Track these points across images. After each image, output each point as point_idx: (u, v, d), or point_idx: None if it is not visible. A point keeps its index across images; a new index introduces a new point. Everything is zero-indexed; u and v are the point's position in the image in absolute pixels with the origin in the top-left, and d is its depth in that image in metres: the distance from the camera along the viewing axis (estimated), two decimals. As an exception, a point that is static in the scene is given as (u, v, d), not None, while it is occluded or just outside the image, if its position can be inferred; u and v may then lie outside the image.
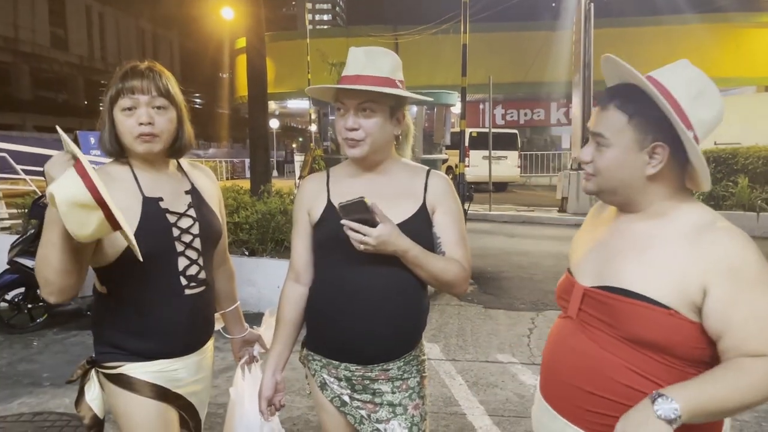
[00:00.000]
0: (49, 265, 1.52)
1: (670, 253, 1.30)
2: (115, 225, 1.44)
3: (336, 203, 1.64)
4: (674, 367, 1.29)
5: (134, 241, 1.49)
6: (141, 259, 1.54)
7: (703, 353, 1.28)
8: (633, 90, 1.36)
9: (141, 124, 1.69)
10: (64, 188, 1.38)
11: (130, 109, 1.69)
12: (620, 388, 1.31)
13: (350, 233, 1.58)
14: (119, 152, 1.77)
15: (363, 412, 1.77)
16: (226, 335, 2.20)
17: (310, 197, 1.83)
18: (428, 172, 1.82)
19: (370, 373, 1.74)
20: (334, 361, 1.77)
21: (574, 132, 14.24)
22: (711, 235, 1.28)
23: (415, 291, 1.75)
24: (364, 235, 1.57)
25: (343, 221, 1.58)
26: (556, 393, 1.45)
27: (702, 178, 1.37)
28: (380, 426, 1.76)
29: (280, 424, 2.05)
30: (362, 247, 1.59)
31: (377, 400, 1.76)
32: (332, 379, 1.79)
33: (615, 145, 1.35)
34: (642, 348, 1.30)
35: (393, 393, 1.76)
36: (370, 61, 1.69)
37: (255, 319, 2.28)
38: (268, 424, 1.96)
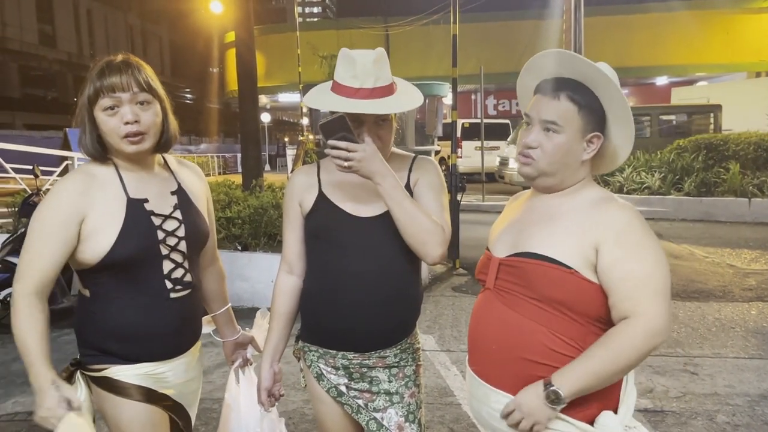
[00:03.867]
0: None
1: (573, 221, 1.47)
2: None
3: (326, 186, 1.69)
4: (585, 326, 1.43)
5: None
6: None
7: (603, 311, 1.43)
8: (577, 84, 1.50)
9: (127, 123, 1.62)
10: None
11: (112, 108, 1.63)
12: (541, 349, 1.43)
13: (333, 152, 1.55)
14: (102, 154, 1.70)
15: (360, 402, 1.77)
16: (218, 338, 2.14)
17: (300, 188, 1.82)
18: (414, 157, 1.85)
19: (367, 361, 1.75)
20: (331, 351, 1.77)
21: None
22: (606, 205, 1.47)
23: (409, 276, 1.77)
24: (349, 152, 1.54)
25: (330, 142, 1.53)
26: (482, 362, 1.56)
27: (619, 163, 1.61)
28: (377, 415, 1.77)
29: (278, 414, 2.04)
30: (345, 164, 1.55)
31: (374, 388, 1.77)
32: (329, 369, 1.79)
33: (565, 132, 1.47)
34: (554, 309, 1.43)
35: (390, 381, 1.78)
36: (381, 70, 1.66)
37: (250, 313, 2.25)
38: (268, 415, 1.95)
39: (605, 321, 1.44)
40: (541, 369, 1.43)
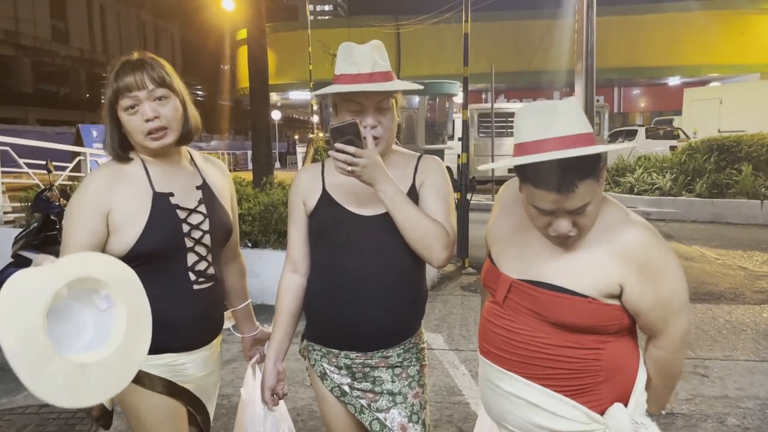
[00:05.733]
0: None
1: (589, 250, 1.43)
2: None
3: (329, 185, 1.72)
4: (598, 337, 1.45)
5: None
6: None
7: (622, 323, 1.46)
8: (583, 159, 1.31)
9: (147, 120, 1.67)
10: None
11: (132, 107, 1.67)
12: (556, 355, 1.45)
13: (338, 155, 1.54)
14: (123, 156, 1.75)
15: (363, 402, 1.77)
16: (237, 333, 2.17)
17: (305, 187, 1.83)
18: (419, 156, 1.84)
19: (370, 361, 1.75)
20: (333, 350, 1.77)
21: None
22: (623, 232, 1.42)
23: (413, 276, 1.77)
24: (354, 156, 1.53)
25: (337, 145, 1.54)
26: (496, 355, 1.55)
27: None
28: (380, 415, 1.76)
29: (287, 411, 2.04)
30: (348, 169, 1.55)
31: (377, 389, 1.76)
32: (332, 368, 1.79)
33: (593, 201, 1.37)
34: (568, 330, 1.45)
35: (393, 381, 1.77)
36: (379, 54, 1.69)
37: (259, 311, 2.27)
38: (273, 414, 1.96)
39: (627, 328, 1.49)
40: (554, 371, 1.46)
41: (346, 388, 1.78)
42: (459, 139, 11.60)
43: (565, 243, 1.43)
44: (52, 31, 45.49)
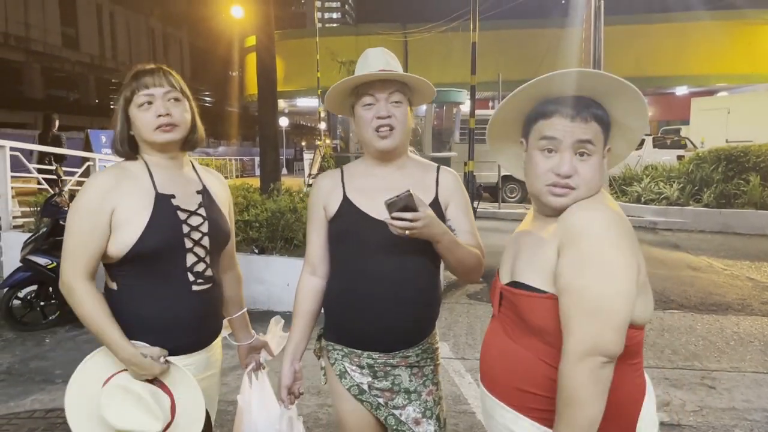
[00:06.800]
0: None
1: (548, 243, 1.36)
2: None
3: (350, 191, 1.82)
4: None
5: None
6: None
7: None
8: (590, 101, 1.40)
9: (159, 115, 1.74)
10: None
11: (148, 103, 1.75)
12: (538, 381, 1.37)
13: (396, 223, 1.58)
14: (130, 154, 1.82)
15: (380, 400, 1.83)
16: (233, 342, 2.20)
17: (325, 193, 1.89)
18: (438, 167, 1.93)
19: (391, 360, 1.81)
20: (356, 350, 1.83)
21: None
22: (574, 209, 1.34)
23: (430, 279, 1.84)
24: (411, 221, 1.58)
25: (395, 214, 1.58)
26: (490, 382, 1.51)
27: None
28: (396, 412, 1.83)
29: (297, 412, 2.06)
30: (407, 233, 1.60)
31: (395, 387, 1.83)
32: (354, 368, 1.84)
33: (597, 152, 1.38)
34: (543, 340, 1.36)
35: (410, 380, 1.84)
36: (391, 57, 1.84)
37: (265, 316, 2.29)
38: (288, 412, 1.99)
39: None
40: (541, 401, 1.37)
41: (365, 387, 1.83)
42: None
43: (564, 197, 1.37)
44: (63, 38, 45.91)
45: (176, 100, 1.79)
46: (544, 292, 1.34)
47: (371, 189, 1.79)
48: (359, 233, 1.78)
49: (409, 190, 1.59)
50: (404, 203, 1.58)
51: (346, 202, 1.83)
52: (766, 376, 4.24)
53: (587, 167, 1.37)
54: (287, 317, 2.03)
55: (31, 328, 5.33)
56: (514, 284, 1.43)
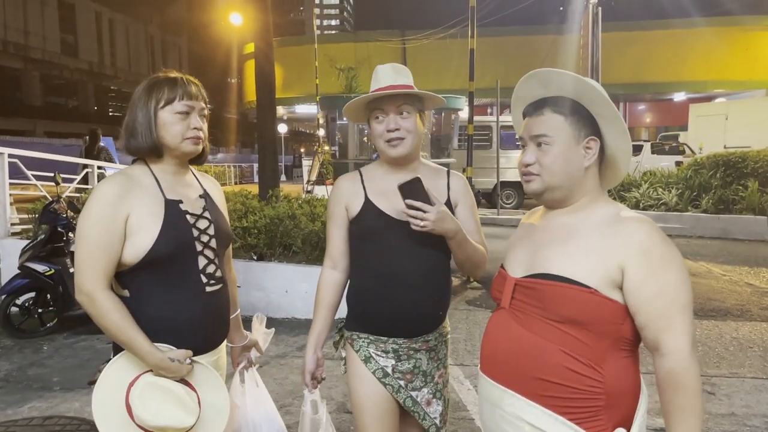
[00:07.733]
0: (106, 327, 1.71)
1: (591, 239, 1.46)
2: None
3: (371, 193, 1.98)
4: (604, 346, 1.42)
5: None
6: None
7: (622, 329, 1.42)
8: (560, 99, 1.55)
9: (195, 128, 1.83)
10: None
11: (186, 113, 1.82)
12: (557, 370, 1.43)
13: (411, 212, 1.76)
14: (150, 154, 1.83)
15: (401, 383, 1.99)
16: (228, 343, 2.20)
17: (347, 193, 2.04)
18: (448, 172, 2.11)
19: (414, 345, 1.98)
20: (382, 337, 1.98)
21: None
22: (624, 222, 1.45)
23: (445, 271, 2.02)
24: (425, 212, 1.75)
25: (407, 201, 1.76)
26: (497, 372, 1.55)
27: (622, 169, 1.60)
28: (413, 393, 2.00)
29: (320, 395, 2.11)
30: (421, 224, 1.76)
31: (415, 370, 2.00)
32: (379, 353, 1.99)
33: (557, 142, 1.52)
34: (571, 329, 1.43)
35: (427, 363, 2.02)
36: (399, 74, 1.98)
37: (266, 323, 2.31)
38: (311, 396, 2.07)
39: (627, 341, 1.44)
40: (556, 389, 1.42)
41: (389, 370, 1.98)
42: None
43: (531, 182, 1.56)
44: (61, 45, 45.93)
45: (205, 117, 1.90)
46: (586, 286, 1.41)
47: (391, 192, 1.90)
48: (381, 233, 1.95)
49: (417, 176, 1.77)
50: (415, 191, 1.75)
51: (368, 204, 1.99)
52: (766, 381, 4.23)
53: (545, 156, 1.53)
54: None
55: (29, 336, 5.32)
56: (542, 276, 1.48)
